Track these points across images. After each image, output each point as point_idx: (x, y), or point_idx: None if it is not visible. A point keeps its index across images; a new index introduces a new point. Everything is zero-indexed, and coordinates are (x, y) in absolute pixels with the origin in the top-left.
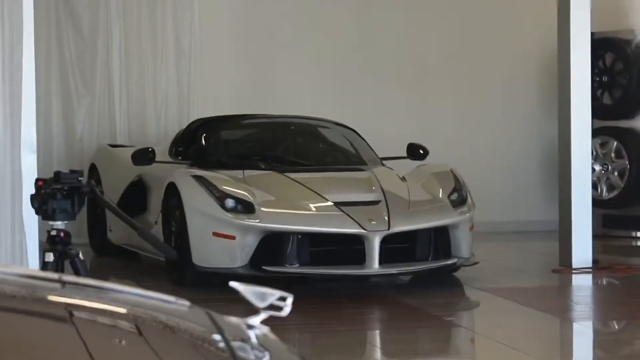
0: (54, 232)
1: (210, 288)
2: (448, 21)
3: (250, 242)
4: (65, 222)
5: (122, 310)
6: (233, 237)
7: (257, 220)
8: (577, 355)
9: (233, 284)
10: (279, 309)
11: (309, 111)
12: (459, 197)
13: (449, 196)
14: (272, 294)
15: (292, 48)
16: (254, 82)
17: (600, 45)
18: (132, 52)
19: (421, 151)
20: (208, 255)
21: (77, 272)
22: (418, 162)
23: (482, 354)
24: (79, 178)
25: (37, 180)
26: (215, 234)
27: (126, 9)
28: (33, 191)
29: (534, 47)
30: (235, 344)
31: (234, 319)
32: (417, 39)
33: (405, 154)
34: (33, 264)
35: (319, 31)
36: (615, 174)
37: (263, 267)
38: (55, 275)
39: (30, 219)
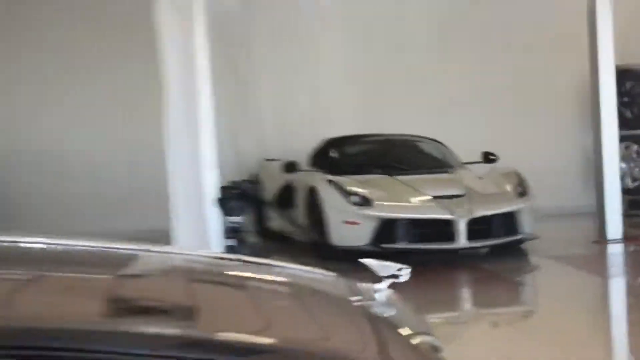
0: (233, 225)
1: (343, 261)
2: (509, 58)
3: (371, 227)
4: (241, 216)
5: (287, 279)
6: (358, 224)
7: (375, 211)
8: (613, 302)
9: (363, 260)
10: (398, 277)
11: (409, 129)
12: (522, 190)
13: (514, 189)
14: (394, 266)
15: (394, 80)
16: (366, 108)
17: (622, 74)
18: (277, 91)
19: (492, 157)
20: (341, 237)
21: (250, 253)
22: (491, 165)
23: (542, 305)
24: (249, 185)
25: (220, 187)
26: (345, 222)
27: (269, 57)
28: (217, 196)
29: (573, 77)
30: (368, 302)
31: (366, 285)
32: (484, 73)
33: (480, 159)
34: (215, 248)
35: (412, 64)
36: (637, 169)
37: (381, 244)
38: (234, 257)
39: (212, 216)
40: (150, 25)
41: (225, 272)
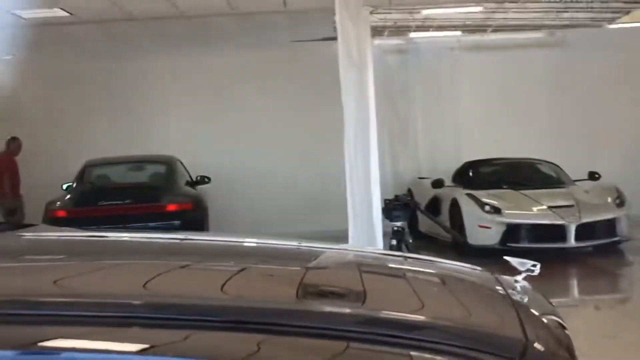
0: (396, 228)
1: (478, 257)
2: (609, 104)
3: (500, 230)
4: (401, 222)
5: (444, 272)
6: (490, 227)
7: (504, 218)
8: None
9: (507, 257)
10: (532, 271)
11: (531, 154)
12: (620, 201)
13: (614, 201)
14: (528, 262)
15: (518, 119)
16: (495, 139)
17: None
18: (427, 124)
19: (597, 175)
20: (476, 238)
21: (409, 250)
22: (595, 182)
23: (638, 291)
24: (408, 198)
25: (385, 200)
26: (480, 226)
27: (424, 101)
28: (382, 206)
29: None
30: (510, 291)
31: (507, 277)
32: (589, 112)
33: (587, 177)
34: (380, 246)
35: (531, 108)
36: None
37: (507, 244)
38: (399, 253)
39: (379, 222)
40: (336, 76)
41: (390, 265)
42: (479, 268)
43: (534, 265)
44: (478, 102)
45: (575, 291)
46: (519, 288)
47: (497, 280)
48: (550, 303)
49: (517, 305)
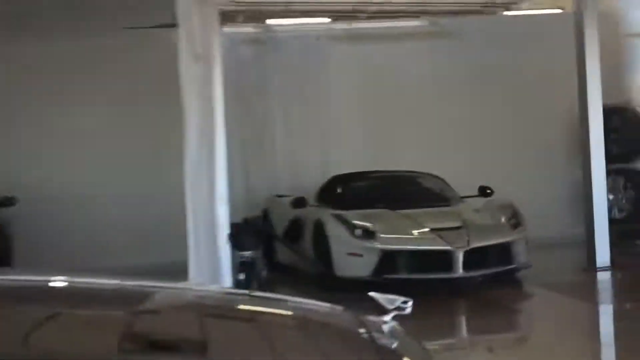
0: (244, 259)
1: (347, 292)
2: (502, 99)
3: (373, 258)
4: (251, 251)
5: (295, 313)
6: (361, 255)
7: (377, 243)
8: (603, 327)
9: (371, 293)
10: (403, 309)
11: (410, 166)
12: (516, 222)
13: (509, 221)
14: (398, 299)
15: (397, 121)
16: (371, 147)
17: (609, 112)
18: (288, 129)
19: (488, 190)
20: (345, 268)
21: (261, 286)
22: (487, 199)
23: (536, 329)
24: (260, 221)
25: (231, 224)
26: (349, 253)
27: (284, 101)
28: (228, 231)
29: (561, 117)
30: (375, 335)
31: (372, 317)
32: (481, 112)
33: (477, 193)
34: (226, 281)
35: (413, 108)
36: (624, 200)
37: (382, 275)
38: (245, 292)
39: (225, 252)
40: (174, 72)
41: (234, 307)
42: (339, 307)
43: (405, 302)
44: (349, 103)
45: (463, 330)
46: (386, 330)
47: (361, 321)
48: (425, 348)
49: (382, 352)
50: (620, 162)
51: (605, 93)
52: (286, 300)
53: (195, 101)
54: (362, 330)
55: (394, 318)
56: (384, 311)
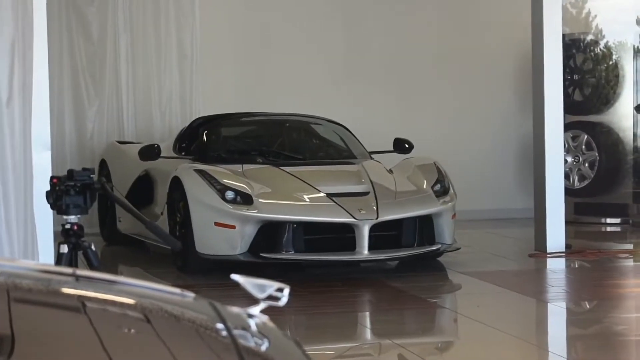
0: (68, 226)
1: (213, 274)
2: (431, 25)
3: (249, 231)
4: (79, 216)
5: (131, 301)
6: (233, 227)
7: (255, 211)
8: (551, 332)
9: (234, 276)
10: (277, 299)
11: (303, 109)
12: (441, 188)
13: (432, 187)
14: (270, 286)
15: (287, 51)
16: (251, 83)
17: (571, 46)
18: (138, 56)
19: (406, 145)
20: (210, 243)
21: (89, 262)
22: (404, 156)
23: (464, 333)
24: (91, 175)
25: (51, 177)
26: (216, 223)
27: (132, 17)
28: (47, 188)
29: (510, 49)
30: (237, 332)
31: (235, 309)
32: (403, 43)
33: (392, 149)
34: (45, 256)
35: (311, 35)
36: (586, 165)
37: (261, 254)
38: (69, 270)
39: (42, 214)
40: None
41: (52, 290)
42: (191, 294)
43: (280, 290)
44: (225, 14)
45: (367, 332)
46: (253, 327)
47: (219, 313)
48: (305, 352)
49: (245, 355)
50: (583, 114)
51: (567, 20)
52: (120, 283)
53: (9, 5)
54: (219, 326)
55: (264, 311)
56: (254, 300)
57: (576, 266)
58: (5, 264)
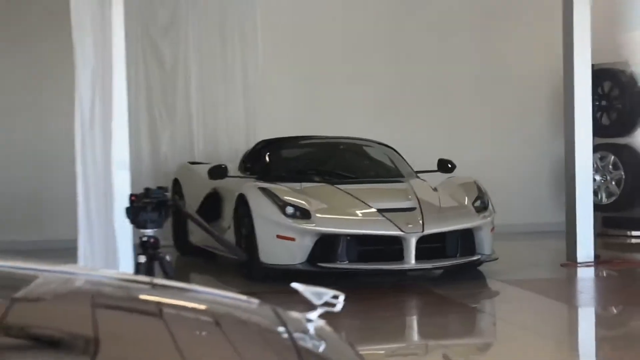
0: (145, 239)
1: (275, 282)
2: (473, 55)
3: (308, 243)
4: (155, 230)
5: (203, 306)
6: (293, 239)
7: (313, 225)
8: (582, 335)
9: (294, 284)
10: (333, 305)
11: (355, 132)
12: (481, 204)
13: (473, 203)
14: (327, 293)
15: (341, 80)
16: (306, 108)
17: (600, 74)
18: (206, 85)
19: (449, 165)
20: (272, 254)
21: (164, 272)
22: (447, 175)
23: (501, 335)
24: (165, 193)
25: (130, 195)
26: (278, 236)
27: (202, 49)
28: (127, 204)
29: (544, 79)
30: (297, 334)
31: (295, 314)
32: (447, 70)
33: (436, 168)
34: (125, 266)
35: (361, 66)
36: (613, 183)
37: (318, 264)
38: (147, 278)
39: (122, 228)
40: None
41: (132, 297)
42: (255, 300)
43: (336, 297)
44: (283, 52)
45: (414, 333)
46: (311, 330)
47: (280, 318)
48: (358, 353)
49: (304, 356)
50: (610, 136)
51: (595, 52)
52: (192, 291)
53: (90, 39)
54: (281, 329)
55: (321, 316)
56: (311, 307)
57: (604, 275)
58: (89, 273)
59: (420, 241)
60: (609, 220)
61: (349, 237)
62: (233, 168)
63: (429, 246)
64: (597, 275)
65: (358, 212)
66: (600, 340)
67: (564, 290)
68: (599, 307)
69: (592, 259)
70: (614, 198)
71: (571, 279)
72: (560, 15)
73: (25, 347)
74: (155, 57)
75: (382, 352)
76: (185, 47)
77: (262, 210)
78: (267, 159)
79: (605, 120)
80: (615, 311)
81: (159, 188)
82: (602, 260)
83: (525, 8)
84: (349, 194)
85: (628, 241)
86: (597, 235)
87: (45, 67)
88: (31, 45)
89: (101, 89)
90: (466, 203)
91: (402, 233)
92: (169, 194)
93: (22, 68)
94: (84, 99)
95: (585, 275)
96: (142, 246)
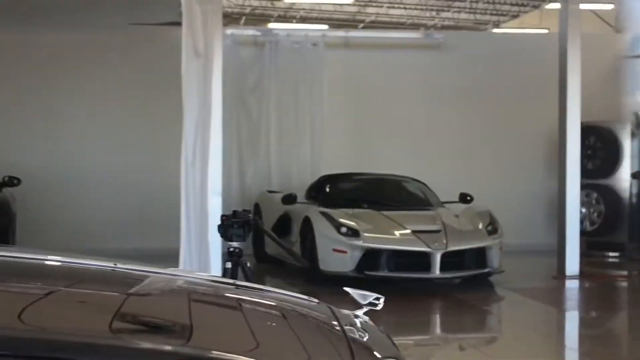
0: (231, 249)
1: (331, 285)
2: (489, 118)
3: (357, 255)
4: (239, 242)
5: (273, 303)
6: (345, 252)
7: (361, 241)
8: (568, 332)
9: (346, 288)
10: (375, 305)
11: (395, 169)
12: (492, 228)
13: (486, 227)
14: (371, 295)
15: (385, 130)
16: (360, 150)
17: (587, 130)
18: (283, 131)
19: (468, 197)
20: (329, 263)
21: (246, 275)
22: (466, 205)
23: (506, 331)
24: (248, 214)
25: (222, 215)
26: (334, 250)
27: (280, 105)
28: (218, 222)
29: (541, 135)
30: (347, 327)
31: (345, 311)
32: (466, 128)
33: (457, 199)
34: (215, 270)
35: (399, 115)
36: (595, 214)
37: (365, 272)
38: (232, 280)
39: (214, 241)
40: (177, 68)
41: (220, 294)
42: (315, 300)
43: (378, 299)
44: (342, 107)
45: (437, 328)
46: (358, 324)
47: (334, 314)
48: (393, 342)
49: (353, 344)
50: (594, 178)
51: (585, 111)
52: (266, 291)
53: (195, 97)
54: (334, 323)
55: (366, 313)
56: (358, 306)
57: (587, 286)
58: (187, 275)
59: (444, 256)
60: (592, 243)
61: (389, 252)
62: (301, 196)
63: (451, 260)
64: (581, 286)
65: (396, 232)
66: (582, 337)
67: (555, 297)
68: (582, 311)
69: (577, 273)
70: (596, 226)
71: (560, 289)
72: (554, 89)
73: (136, 331)
74: (244, 111)
75: (412, 342)
76: (267, 104)
77: (322, 229)
78: (327, 189)
79: (590, 166)
80: (595, 314)
81: (244, 210)
82: (586, 274)
83: (528, 86)
84: (389, 218)
85: (607, 260)
86: (582, 255)
87: (162, 120)
88: (152, 103)
89: (201, 135)
90: (480, 227)
91: (430, 249)
92: (251, 215)
93: (145, 119)
94: (189, 142)
95: (572, 286)
96: (229, 255)
